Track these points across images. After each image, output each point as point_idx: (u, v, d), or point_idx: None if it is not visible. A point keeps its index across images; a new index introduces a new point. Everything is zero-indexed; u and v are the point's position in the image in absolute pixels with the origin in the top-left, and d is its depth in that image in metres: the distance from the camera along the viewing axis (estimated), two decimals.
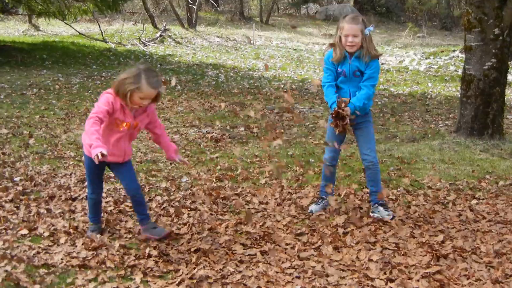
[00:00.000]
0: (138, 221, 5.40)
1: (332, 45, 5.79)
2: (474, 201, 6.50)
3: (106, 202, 6.14)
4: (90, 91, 12.58)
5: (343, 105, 5.59)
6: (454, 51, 19.11)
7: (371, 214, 5.91)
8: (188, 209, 6.02)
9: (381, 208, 5.91)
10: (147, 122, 5.19)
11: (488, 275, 4.80)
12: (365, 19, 5.71)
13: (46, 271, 4.68)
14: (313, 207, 6.11)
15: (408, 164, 7.80)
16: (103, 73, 15.23)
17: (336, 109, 5.61)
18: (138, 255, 4.98)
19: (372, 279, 4.71)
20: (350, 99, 5.65)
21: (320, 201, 6.18)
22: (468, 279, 4.76)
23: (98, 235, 5.27)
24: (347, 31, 5.56)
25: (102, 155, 4.48)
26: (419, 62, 18.65)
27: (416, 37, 27.28)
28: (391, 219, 5.80)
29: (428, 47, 22.72)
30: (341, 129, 5.67)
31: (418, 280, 4.70)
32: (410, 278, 4.74)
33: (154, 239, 5.23)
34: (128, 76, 4.84)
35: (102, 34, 20.74)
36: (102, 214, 5.57)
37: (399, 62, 18.71)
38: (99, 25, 21.46)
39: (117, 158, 5.10)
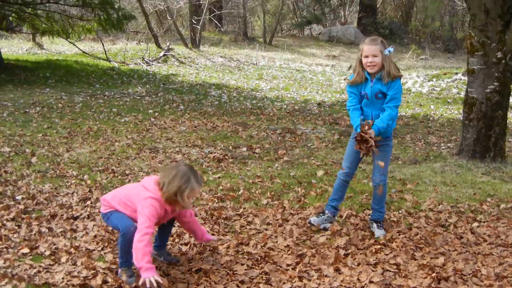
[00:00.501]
0: (155, 246, 5.34)
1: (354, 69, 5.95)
2: (475, 224, 6.51)
3: None
4: (93, 110, 12.63)
5: (366, 128, 5.66)
6: (456, 73, 19.15)
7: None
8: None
9: (375, 225, 6.10)
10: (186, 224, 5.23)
11: None
12: (384, 41, 5.85)
13: None
14: (313, 219, 6.20)
15: (410, 187, 7.82)
16: (106, 92, 15.29)
17: (359, 132, 5.67)
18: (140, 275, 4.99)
19: None
20: (373, 122, 5.76)
21: (321, 214, 6.26)
22: None
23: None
24: (366, 52, 5.71)
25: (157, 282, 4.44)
26: (422, 84, 18.69)
27: (419, 59, 27.36)
28: (377, 237, 5.94)
29: (431, 69, 22.77)
30: (365, 151, 5.76)
31: None
32: None
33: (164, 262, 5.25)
34: (180, 182, 4.73)
35: (105, 53, 20.83)
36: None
37: (402, 84, 18.77)
38: (102, 44, 21.55)
39: None
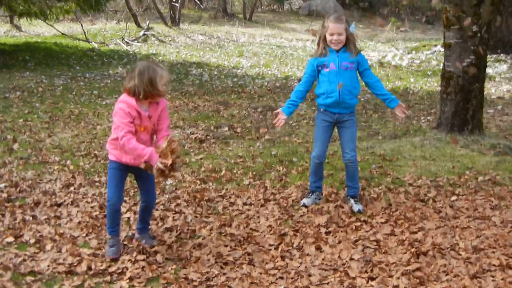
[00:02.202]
0: (138, 228, 5.45)
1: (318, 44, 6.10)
2: (453, 198, 6.60)
3: (91, 207, 6.21)
4: (74, 93, 12.60)
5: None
6: (436, 45, 19.23)
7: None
8: (173, 212, 6.09)
9: (352, 201, 6.25)
10: (158, 118, 5.19)
11: (466, 271, 4.91)
12: (347, 18, 6.02)
13: (33, 278, 4.74)
14: (305, 201, 6.31)
15: (390, 162, 7.90)
16: (87, 74, 15.24)
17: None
18: (124, 260, 5.07)
19: (354, 278, 4.82)
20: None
21: (310, 194, 6.37)
22: (447, 275, 4.87)
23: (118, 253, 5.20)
24: (332, 30, 5.82)
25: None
26: (402, 57, 18.76)
27: (399, 31, 27.42)
28: (358, 212, 6.08)
29: (410, 42, 22.85)
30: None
31: (398, 278, 4.81)
32: (390, 276, 4.85)
33: (146, 247, 5.30)
34: (148, 74, 4.93)
35: (85, 34, 20.72)
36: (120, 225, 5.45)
37: (382, 57, 18.78)
38: (81, 25, 21.44)
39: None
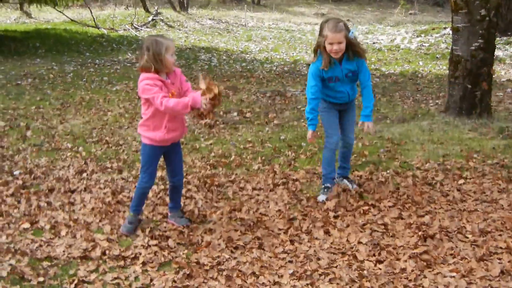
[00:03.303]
0: (169, 207, 5.66)
1: (315, 52, 5.98)
2: (461, 181, 6.63)
3: (104, 193, 6.31)
4: (84, 79, 12.68)
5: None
6: (445, 28, 19.14)
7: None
8: (184, 197, 6.15)
9: (346, 181, 6.41)
10: (180, 82, 5.31)
11: (473, 254, 4.97)
12: (346, 23, 5.85)
13: (49, 263, 4.84)
14: (321, 197, 6.18)
15: (398, 145, 7.94)
16: (97, 61, 15.32)
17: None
18: (137, 245, 5.16)
19: (362, 261, 4.89)
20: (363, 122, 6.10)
21: (326, 189, 6.26)
22: (453, 258, 4.92)
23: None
24: (331, 39, 5.67)
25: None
26: (411, 40, 18.73)
27: (408, 14, 27.33)
28: (354, 189, 6.28)
29: (420, 25, 22.76)
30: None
31: (405, 261, 4.87)
32: (398, 259, 4.91)
33: (177, 227, 5.49)
34: (153, 49, 5.03)
35: (94, 20, 20.76)
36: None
37: (391, 40, 18.78)
38: (90, 11, 21.46)
39: (178, 134, 5.31)
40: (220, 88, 4.99)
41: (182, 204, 5.88)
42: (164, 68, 5.07)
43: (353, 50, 5.82)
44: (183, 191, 6.31)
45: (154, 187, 6.47)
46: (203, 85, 4.98)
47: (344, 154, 6.41)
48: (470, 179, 6.72)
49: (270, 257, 4.95)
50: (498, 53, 11.67)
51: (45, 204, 6.02)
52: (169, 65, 5.08)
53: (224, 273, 4.71)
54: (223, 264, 4.85)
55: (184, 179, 6.65)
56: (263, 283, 4.60)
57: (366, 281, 4.61)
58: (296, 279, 4.65)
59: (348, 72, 5.89)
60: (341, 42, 5.67)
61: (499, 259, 4.90)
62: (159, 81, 5.03)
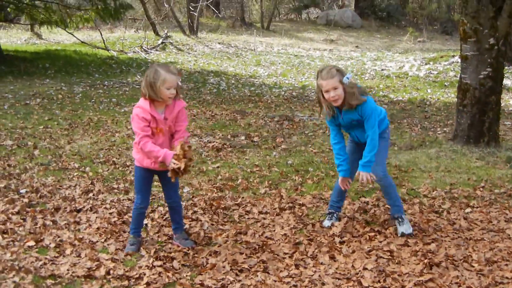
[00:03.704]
0: (173, 229, 5.66)
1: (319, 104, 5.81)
2: (468, 209, 6.62)
3: (110, 213, 6.31)
4: (93, 100, 12.73)
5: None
6: (453, 56, 19.15)
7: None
8: (190, 220, 6.16)
9: (396, 222, 5.93)
10: (176, 120, 5.34)
11: (478, 283, 4.95)
12: (340, 69, 5.64)
13: (53, 281, 4.83)
14: (328, 223, 6.14)
15: (405, 173, 7.94)
16: (106, 82, 15.37)
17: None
18: (142, 266, 5.16)
19: (367, 287, 4.88)
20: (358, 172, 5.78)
21: (330, 216, 6.23)
22: (459, 286, 4.90)
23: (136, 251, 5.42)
24: (326, 87, 5.51)
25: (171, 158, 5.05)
26: (419, 67, 18.75)
27: (417, 41, 27.40)
28: (401, 235, 5.80)
29: (428, 52, 22.79)
30: None
31: None
32: (403, 286, 4.89)
33: (182, 248, 5.49)
34: (149, 78, 5.11)
35: (104, 42, 20.84)
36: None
37: (399, 68, 18.82)
38: (100, 34, 21.55)
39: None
40: (187, 163, 5.08)
41: (187, 226, 5.88)
42: (159, 98, 5.11)
43: (348, 100, 5.57)
44: (189, 213, 6.33)
45: (160, 208, 6.49)
46: (176, 150, 5.11)
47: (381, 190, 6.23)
48: (477, 208, 6.71)
49: (275, 281, 4.94)
50: (506, 82, 11.68)
51: (51, 223, 6.02)
52: (163, 97, 5.14)
53: None
54: (227, 287, 4.84)
55: (191, 201, 6.68)
56: None
57: None
58: None
59: (351, 121, 5.71)
60: (336, 87, 5.48)
61: None
62: (149, 115, 5.13)
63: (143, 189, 5.41)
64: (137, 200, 5.43)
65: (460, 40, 9.04)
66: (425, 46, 26.01)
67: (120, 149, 8.86)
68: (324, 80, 5.51)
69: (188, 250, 5.44)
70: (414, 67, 18.84)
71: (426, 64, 19.25)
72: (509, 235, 5.96)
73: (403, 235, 5.77)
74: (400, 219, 5.83)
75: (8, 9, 18.09)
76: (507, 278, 5.04)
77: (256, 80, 17.04)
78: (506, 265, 5.28)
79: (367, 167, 5.70)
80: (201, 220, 6.20)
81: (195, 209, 6.52)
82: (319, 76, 5.59)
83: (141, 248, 5.45)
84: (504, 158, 8.48)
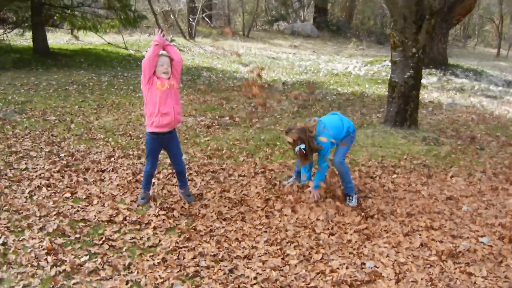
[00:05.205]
0: (179, 185, 5.52)
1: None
2: (394, 176, 6.64)
3: (127, 174, 6.23)
4: (115, 87, 12.52)
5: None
6: (385, 60, 19.10)
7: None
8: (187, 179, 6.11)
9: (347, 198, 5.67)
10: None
11: (401, 230, 4.97)
12: (296, 140, 5.27)
13: (84, 224, 4.80)
14: (284, 182, 6.05)
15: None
16: (125, 74, 15.12)
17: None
18: (150, 214, 5.10)
19: (319, 233, 4.86)
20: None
21: (288, 177, 6.21)
22: (387, 233, 4.93)
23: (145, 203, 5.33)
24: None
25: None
26: (360, 68, 18.68)
27: (358, 49, 27.30)
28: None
29: (367, 57, 22.70)
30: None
31: (351, 234, 4.86)
32: (346, 232, 4.90)
33: (181, 201, 5.44)
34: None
35: (124, 43, 20.59)
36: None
37: (345, 68, 18.71)
38: (122, 37, 21.29)
39: (169, 119, 5.06)
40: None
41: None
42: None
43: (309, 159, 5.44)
44: (186, 174, 6.26)
45: (164, 170, 6.43)
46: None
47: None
48: (400, 174, 6.73)
49: (250, 228, 4.92)
50: (422, 81, 11.64)
51: (82, 180, 5.95)
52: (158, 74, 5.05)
53: (215, 238, 4.68)
54: (214, 231, 4.81)
55: (186, 166, 6.60)
56: (244, 247, 4.56)
57: (322, 248, 4.58)
58: (269, 245, 4.61)
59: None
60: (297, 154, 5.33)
61: (420, 235, 4.93)
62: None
63: (152, 156, 5.27)
64: (147, 166, 5.31)
65: (391, 49, 8.99)
66: (364, 53, 25.90)
67: (135, 124, 8.73)
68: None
69: (185, 203, 5.39)
70: (356, 68, 18.76)
71: (365, 66, 19.18)
72: (423, 195, 6.02)
73: (351, 207, 5.52)
74: (350, 197, 5.62)
75: (55, 17, 17.88)
76: (421, 226, 5.09)
77: (238, 74, 16.88)
78: (421, 217, 5.33)
79: (316, 185, 5.56)
80: (194, 180, 6.15)
81: (190, 172, 6.46)
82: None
83: (150, 201, 5.39)
84: (421, 138, 8.49)
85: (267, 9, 37.31)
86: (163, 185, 5.94)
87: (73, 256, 4.22)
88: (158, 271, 4.09)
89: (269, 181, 6.21)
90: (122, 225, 4.85)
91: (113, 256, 4.29)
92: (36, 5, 15.64)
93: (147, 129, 5.15)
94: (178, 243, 4.56)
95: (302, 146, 5.23)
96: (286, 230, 4.88)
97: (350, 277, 4.12)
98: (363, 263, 4.36)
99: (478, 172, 7.01)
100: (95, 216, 5.00)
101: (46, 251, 4.26)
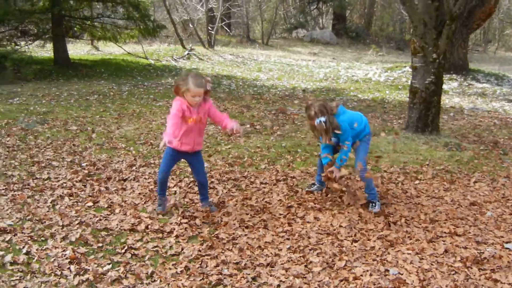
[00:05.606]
0: (200, 199, 5.52)
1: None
2: (417, 181, 6.59)
3: (148, 182, 6.26)
4: (136, 96, 12.62)
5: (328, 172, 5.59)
6: (405, 66, 19.00)
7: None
8: (208, 188, 6.09)
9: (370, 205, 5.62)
10: (208, 114, 5.22)
11: (424, 236, 4.93)
12: (316, 111, 5.27)
13: (106, 233, 4.82)
14: (307, 189, 6.06)
15: (370, 154, 7.85)
16: (145, 83, 15.23)
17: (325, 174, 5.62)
18: (172, 222, 5.11)
19: (342, 240, 4.83)
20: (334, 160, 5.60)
21: (312, 185, 6.17)
22: (410, 239, 4.88)
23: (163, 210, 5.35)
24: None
25: (169, 142, 4.74)
26: (380, 74, 18.61)
27: (378, 55, 27.21)
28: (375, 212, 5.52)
29: (386, 63, 22.61)
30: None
31: (374, 241, 4.82)
32: (369, 239, 4.86)
33: (203, 209, 5.42)
34: (178, 80, 5.03)
35: (144, 53, 20.76)
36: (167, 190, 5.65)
37: (365, 74, 18.65)
38: (142, 47, 21.47)
39: (188, 147, 5.14)
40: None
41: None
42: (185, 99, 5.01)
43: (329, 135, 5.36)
44: (208, 183, 6.26)
45: (186, 179, 6.44)
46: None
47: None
48: (423, 180, 6.67)
49: (273, 235, 4.90)
50: (444, 86, 11.58)
51: (104, 189, 5.98)
52: (188, 101, 5.00)
53: (237, 246, 4.66)
54: (236, 239, 4.80)
55: (208, 174, 6.62)
56: (267, 254, 4.55)
57: (345, 255, 4.55)
58: (292, 252, 4.60)
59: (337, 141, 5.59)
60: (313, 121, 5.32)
61: (444, 241, 4.88)
62: (185, 106, 4.99)
63: (165, 165, 5.25)
64: (159, 174, 5.30)
65: (411, 55, 8.94)
66: (384, 59, 25.81)
67: (155, 133, 8.78)
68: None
69: (207, 211, 5.39)
70: (376, 74, 18.69)
71: (385, 72, 19.10)
72: (446, 200, 5.96)
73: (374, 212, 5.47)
74: (373, 204, 5.57)
75: (75, 28, 18.11)
76: (445, 233, 5.04)
77: (258, 82, 16.90)
78: (445, 223, 5.27)
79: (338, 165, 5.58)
80: (216, 188, 6.15)
81: (212, 180, 6.46)
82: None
83: (172, 209, 5.40)
84: (443, 143, 8.43)
85: (285, 17, 37.34)
86: (184, 193, 5.95)
87: (96, 265, 4.25)
88: (181, 280, 4.09)
89: (291, 188, 6.19)
90: (144, 233, 4.87)
91: (135, 264, 4.30)
92: (56, 17, 15.86)
93: (167, 144, 5.16)
94: (200, 251, 4.56)
95: (323, 118, 5.21)
96: (309, 237, 4.86)
97: (374, 284, 4.09)
98: (387, 270, 4.32)
99: (501, 178, 6.93)
100: (117, 225, 5.02)
101: (69, 260, 4.29)
